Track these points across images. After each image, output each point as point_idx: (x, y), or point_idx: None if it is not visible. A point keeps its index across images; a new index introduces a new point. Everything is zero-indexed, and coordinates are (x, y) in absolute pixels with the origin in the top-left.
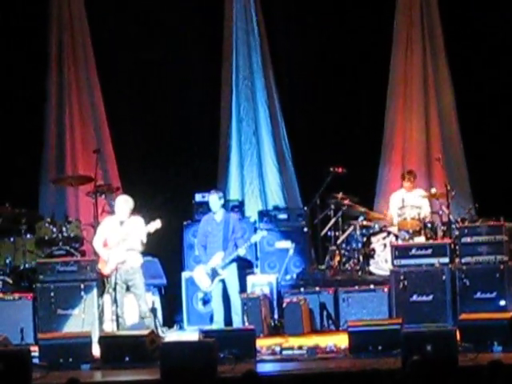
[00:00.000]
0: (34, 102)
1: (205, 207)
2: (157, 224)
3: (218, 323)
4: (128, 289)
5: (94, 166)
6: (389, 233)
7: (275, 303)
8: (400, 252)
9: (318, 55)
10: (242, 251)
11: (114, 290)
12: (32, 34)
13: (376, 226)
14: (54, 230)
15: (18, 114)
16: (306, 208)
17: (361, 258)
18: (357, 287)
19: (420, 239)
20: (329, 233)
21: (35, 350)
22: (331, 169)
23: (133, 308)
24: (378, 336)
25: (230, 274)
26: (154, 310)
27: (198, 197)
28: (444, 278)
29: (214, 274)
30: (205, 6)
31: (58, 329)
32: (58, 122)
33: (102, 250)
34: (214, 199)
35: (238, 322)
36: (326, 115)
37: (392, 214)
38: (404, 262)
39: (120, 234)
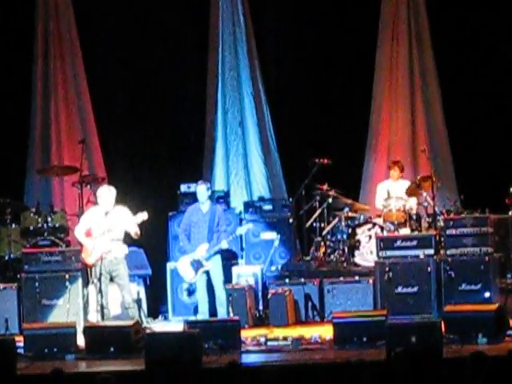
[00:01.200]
0: (20, 92)
1: (190, 198)
2: (143, 215)
3: (203, 314)
4: (112, 279)
5: (80, 157)
6: (374, 224)
7: (260, 294)
8: (385, 243)
9: (304, 46)
10: (224, 244)
11: (99, 280)
12: (18, 23)
13: (361, 217)
14: (39, 220)
15: (3, 103)
16: (291, 199)
17: (346, 250)
18: (342, 278)
19: (405, 231)
20: (314, 224)
21: (20, 340)
22: (316, 160)
23: (116, 298)
24: (363, 327)
25: (215, 266)
26: (138, 301)
27: (184, 187)
28: (429, 269)
29: (198, 265)
30: None
31: (42, 319)
32: (44, 112)
33: (85, 239)
34: (201, 190)
35: (222, 312)
36: (312, 106)
37: (378, 205)
38: (389, 253)
39: (105, 224)
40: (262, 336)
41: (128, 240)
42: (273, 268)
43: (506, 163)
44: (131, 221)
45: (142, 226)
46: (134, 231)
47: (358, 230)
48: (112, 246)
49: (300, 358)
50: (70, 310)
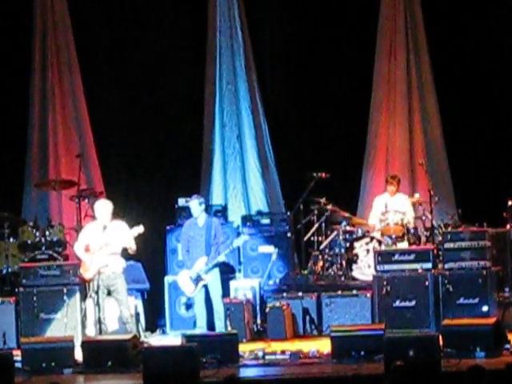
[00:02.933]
0: (17, 106)
1: (187, 212)
2: (140, 229)
3: (201, 328)
4: (109, 293)
5: (77, 171)
6: (372, 238)
7: (258, 308)
8: (383, 257)
9: (302, 60)
10: (221, 257)
11: (97, 294)
12: (15, 38)
13: (359, 231)
14: (37, 234)
15: (0, 118)
16: (289, 213)
17: (344, 263)
18: (340, 292)
19: (403, 244)
20: (312, 238)
21: (18, 355)
22: (314, 174)
23: (114, 313)
24: (361, 341)
25: (213, 279)
26: (136, 315)
27: (181, 201)
28: (427, 283)
29: (197, 279)
30: (188, 10)
31: (40, 333)
32: (42, 126)
33: (84, 254)
34: (194, 205)
35: (220, 326)
36: (310, 120)
37: (374, 219)
38: (387, 267)
39: (103, 239)
40: (259, 350)
41: (126, 254)
42: (271, 282)
43: (504, 177)
44: (128, 235)
45: (138, 239)
46: (130, 246)
47: (356, 244)
48: (109, 260)
49: (298, 372)
50: (68, 324)
